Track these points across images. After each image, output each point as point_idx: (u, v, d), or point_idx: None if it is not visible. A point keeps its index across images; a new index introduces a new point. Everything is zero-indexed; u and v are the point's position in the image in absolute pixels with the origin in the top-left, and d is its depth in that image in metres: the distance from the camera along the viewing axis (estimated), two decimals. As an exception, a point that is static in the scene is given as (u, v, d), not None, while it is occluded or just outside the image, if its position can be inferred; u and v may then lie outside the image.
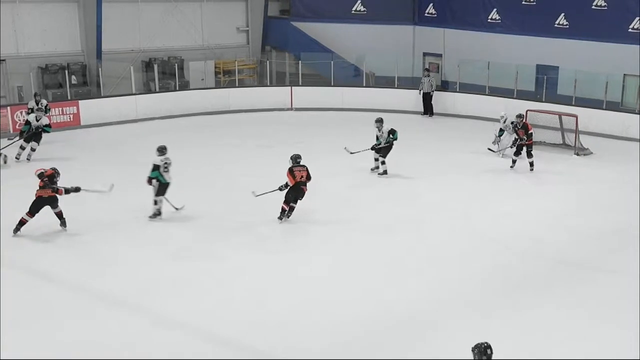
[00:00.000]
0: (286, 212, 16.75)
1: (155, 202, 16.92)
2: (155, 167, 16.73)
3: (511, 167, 21.97)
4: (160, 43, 31.45)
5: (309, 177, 16.62)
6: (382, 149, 20.76)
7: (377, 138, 20.86)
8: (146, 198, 17.16)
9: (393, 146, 20.80)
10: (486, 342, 8.47)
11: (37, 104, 23.46)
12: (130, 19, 30.76)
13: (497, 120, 23.92)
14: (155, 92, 29.41)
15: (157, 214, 17.00)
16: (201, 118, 28.50)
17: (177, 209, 17.36)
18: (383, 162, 20.86)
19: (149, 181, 16.75)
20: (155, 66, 29.54)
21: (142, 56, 30.88)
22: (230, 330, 11.94)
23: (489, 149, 22.54)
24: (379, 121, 20.86)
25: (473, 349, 8.46)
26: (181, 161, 21.83)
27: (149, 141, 23.95)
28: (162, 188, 16.87)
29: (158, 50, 31.26)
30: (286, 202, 16.68)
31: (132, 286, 13.49)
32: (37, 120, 21.87)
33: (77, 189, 15.97)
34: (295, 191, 16.60)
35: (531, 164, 21.78)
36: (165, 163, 16.81)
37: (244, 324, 12.11)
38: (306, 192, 16.76)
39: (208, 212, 17.70)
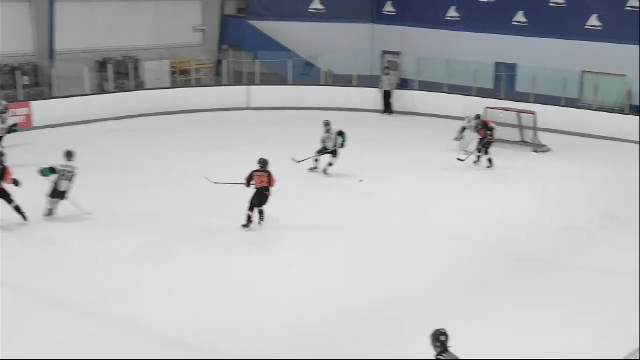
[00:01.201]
0: (251, 220, 16.25)
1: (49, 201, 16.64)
2: (52, 170, 16.41)
3: (475, 162, 21.95)
4: (115, 43, 30.89)
5: (270, 182, 16.15)
6: (332, 152, 20.48)
7: (323, 141, 20.50)
8: (103, 200, 16.76)
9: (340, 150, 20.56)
10: (442, 329, 8.67)
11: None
12: (84, 18, 30.17)
13: (462, 119, 23.83)
14: (109, 92, 28.84)
15: (48, 213, 16.63)
16: (157, 118, 28.01)
17: (83, 212, 16.82)
18: (331, 164, 20.59)
19: (41, 172, 16.42)
20: (110, 66, 28.99)
21: (96, 56, 30.26)
22: (189, 332, 11.73)
23: (459, 159, 22.22)
24: (328, 124, 20.54)
25: (430, 336, 8.72)
26: (136, 162, 21.70)
27: (103, 142, 23.75)
28: (55, 192, 16.55)
29: (112, 50, 30.70)
30: (250, 208, 16.23)
31: (91, 292, 13.15)
32: (3, 123, 21.48)
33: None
34: (258, 197, 16.19)
35: (490, 161, 21.68)
36: (65, 171, 16.46)
37: (204, 326, 11.89)
38: (268, 197, 16.28)
39: (163, 214, 17.39)
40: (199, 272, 14.20)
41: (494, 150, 21.94)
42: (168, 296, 13.03)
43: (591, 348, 11.33)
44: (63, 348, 11.09)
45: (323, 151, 20.51)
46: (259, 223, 16.38)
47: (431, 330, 8.77)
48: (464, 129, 23.30)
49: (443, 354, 8.63)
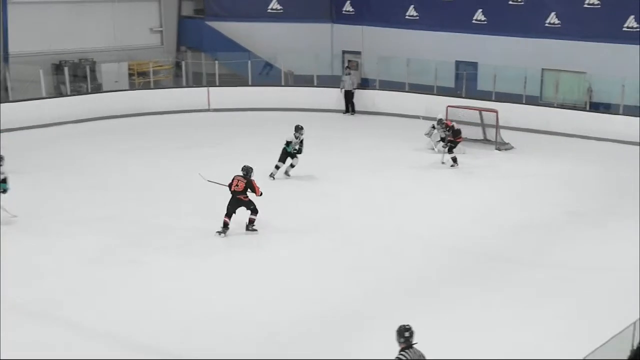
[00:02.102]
0: (227, 226, 16.03)
1: None
2: None
3: (443, 162, 21.88)
4: (71, 45, 30.29)
5: (246, 189, 15.94)
6: (283, 155, 20.20)
7: (289, 144, 20.09)
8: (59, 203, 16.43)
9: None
10: (407, 325, 8.80)
11: None
12: (38, 20, 29.51)
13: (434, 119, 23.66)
14: (66, 95, 28.32)
15: None
16: (116, 121, 27.56)
17: (9, 215, 16.48)
18: (292, 165, 20.37)
19: None
20: (66, 69, 28.48)
21: (52, 59, 29.70)
22: (151, 336, 11.62)
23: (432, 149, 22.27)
24: (300, 129, 20.20)
25: (395, 332, 8.85)
26: (94, 165, 21.33)
27: (59, 146, 23.32)
28: None
29: (68, 52, 30.12)
30: (227, 214, 16.03)
31: (43, 293, 12.99)
32: None
33: None
34: (232, 201, 16.02)
35: (454, 160, 21.64)
36: None
37: (166, 330, 11.80)
38: (249, 201, 16.08)
39: (120, 216, 17.17)
40: (155, 273, 14.09)
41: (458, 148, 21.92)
42: (122, 298, 12.95)
43: (556, 344, 11.36)
44: (15, 348, 10.99)
45: (287, 154, 20.19)
46: (247, 229, 16.24)
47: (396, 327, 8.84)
48: (434, 126, 23.05)
49: (406, 351, 8.72)
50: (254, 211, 16.15)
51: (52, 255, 14.83)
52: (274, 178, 20.07)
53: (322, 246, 15.62)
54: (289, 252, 15.33)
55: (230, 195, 15.96)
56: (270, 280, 13.85)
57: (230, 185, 15.98)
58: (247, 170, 16.04)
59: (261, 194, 16.11)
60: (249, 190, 15.99)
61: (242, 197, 15.98)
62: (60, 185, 19.25)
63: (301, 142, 20.07)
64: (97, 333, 11.71)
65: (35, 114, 26.35)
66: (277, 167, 20.24)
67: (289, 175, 20.38)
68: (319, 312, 12.51)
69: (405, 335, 8.74)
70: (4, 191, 16.20)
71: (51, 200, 17.70)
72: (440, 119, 22.44)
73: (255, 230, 16.21)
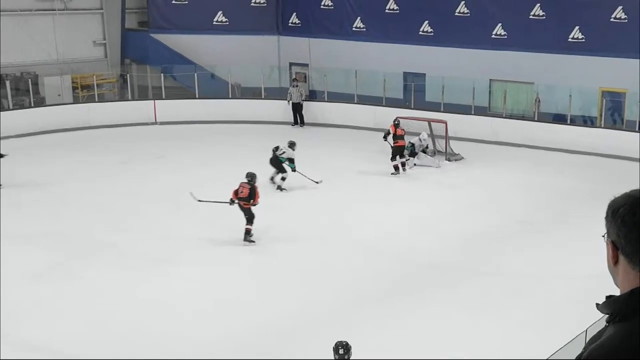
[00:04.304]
0: (249, 232, 16.08)
1: None
2: None
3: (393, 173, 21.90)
4: (12, 58, 29.62)
5: (251, 196, 15.90)
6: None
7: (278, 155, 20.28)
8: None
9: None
10: (343, 341, 8.88)
11: None
12: (-23, 32, 28.89)
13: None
14: (8, 109, 27.68)
15: None
16: (59, 135, 26.99)
17: None
18: (284, 179, 20.44)
19: None
20: (7, 82, 27.85)
21: (-8, 72, 29.05)
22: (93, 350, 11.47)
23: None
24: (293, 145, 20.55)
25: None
26: (36, 179, 20.79)
27: (3, 161, 22.65)
28: None
29: (9, 65, 29.45)
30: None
31: None
32: None
33: None
34: (240, 208, 16.02)
35: (396, 168, 21.92)
36: None
37: (107, 342, 11.70)
38: (250, 209, 16.02)
39: (65, 231, 16.83)
40: (102, 289, 13.84)
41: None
42: (69, 315, 12.72)
43: (505, 353, 11.27)
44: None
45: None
46: (245, 241, 16.14)
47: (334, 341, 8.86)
48: (412, 144, 22.89)
49: None
50: (249, 221, 16.06)
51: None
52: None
53: (264, 258, 15.56)
54: (235, 263, 15.25)
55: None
56: (216, 292, 13.72)
57: (236, 192, 15.94)
58: (252, 177, 16.10)
59: (257, 203, 16.03)
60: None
61: (244, 204, 15.93)
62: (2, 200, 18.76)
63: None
64: (41, 349, 11.53)
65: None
66: (283, 179, 20.38)
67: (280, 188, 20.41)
68: (259, 324, 12.40)
69: (339, 352, 8.78)
70: None
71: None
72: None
73: (253, 241, 16.09)
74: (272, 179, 20.41)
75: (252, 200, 15.95)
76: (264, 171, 20.36)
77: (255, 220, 16.05)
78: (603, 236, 2.21)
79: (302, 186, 20.38)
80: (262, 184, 17.24)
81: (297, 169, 20.22)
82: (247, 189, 15.93)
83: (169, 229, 16.79)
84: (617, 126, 25.54)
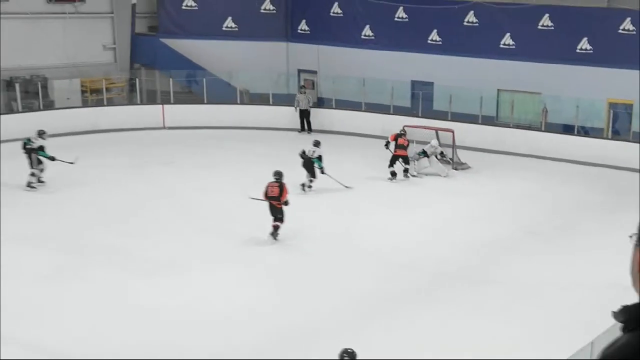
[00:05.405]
0: (277, 229, 16.31)
1: None
2: None
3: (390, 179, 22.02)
4: (22, 61, 29.77)
5: (281, 194, 16.11)
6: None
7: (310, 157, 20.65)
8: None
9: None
10: (348, 349, 8.98)
11: None
12: (-12, 35, 29.06)
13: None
14: (17, 112, 27.81)
15: None
16: (68, 138, 27.02)
17: None
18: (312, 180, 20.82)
19: None
20: (17, 85, 27.97)
21: (3, 75, 29.13)
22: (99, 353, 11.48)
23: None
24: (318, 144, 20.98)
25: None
26: (46, 181, 20.87)
27: (10, 163, 22.77)
28: None
29: (19, 68, 29.60)
30: (273, 219, 16.31)
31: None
32: None
33: None
34: (270, 207, 16.24)
35: (393, 174, 22.10)
36: None
37: (110, 347, 11.69)
38: (281, 209, 16.27)
39: (73, 233, 16.92)
40: (108, 291, 13.89)
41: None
42: (74, 316, 12.78)
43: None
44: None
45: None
46: (271, 236, 16.34)
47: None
48: (423, 152, 23.04)
49: None
50: (280, 220, 16.27)
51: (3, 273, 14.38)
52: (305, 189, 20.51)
53: (275, 263, 15.57)
54: (242, 268, 15.23)
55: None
56: (221, 298, 13.77)
57: (265, 193, 16.14)
58: (280, 175, 16.31)
59: (286, 202, 16.21)
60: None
61: (276, 203, 16.08)
62: (10, 201, 18.84)
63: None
64: (46, 350, 11.57)
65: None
66: (311, 181, 20.74)
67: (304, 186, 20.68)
68: (270, 330, 12.42)
69: (344, 358, 8.85)
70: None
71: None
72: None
73: (276, 240, 16.31)
74: (303, 185, 20.60)
75: (281, 198, 16.08)
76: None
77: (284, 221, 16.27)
78: (630, 236, 2.14)
79: (311, 194, 20.45)
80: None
81: (325, 171, 20.50)
82: (277, 187, 16.09)
83: (176, 233, 16.85)
84: (624, 137, 25.57)
